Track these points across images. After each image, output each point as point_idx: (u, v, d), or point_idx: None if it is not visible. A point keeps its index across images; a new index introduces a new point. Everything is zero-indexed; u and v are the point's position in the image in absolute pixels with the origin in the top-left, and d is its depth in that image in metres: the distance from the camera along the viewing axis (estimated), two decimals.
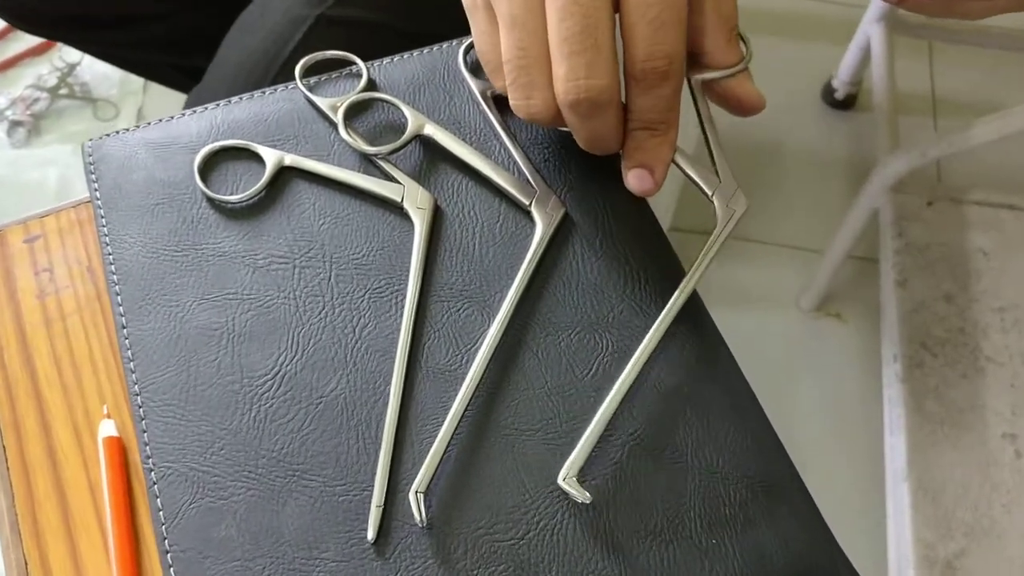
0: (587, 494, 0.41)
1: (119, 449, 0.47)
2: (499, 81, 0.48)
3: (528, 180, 0.50)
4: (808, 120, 1.71)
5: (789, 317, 1.54)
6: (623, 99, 0.46)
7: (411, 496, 0.41)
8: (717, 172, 0.48)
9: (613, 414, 0.43)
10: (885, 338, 1.21)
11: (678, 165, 0.48)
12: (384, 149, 0.50)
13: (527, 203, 0.49)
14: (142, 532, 0.45)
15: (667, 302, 0.46)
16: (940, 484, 1.07)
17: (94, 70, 1.69)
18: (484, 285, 0.47)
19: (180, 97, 1.02)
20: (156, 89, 1.69)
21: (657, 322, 0.45)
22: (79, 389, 0.49)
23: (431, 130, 0.51)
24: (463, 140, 0.51)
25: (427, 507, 0.41)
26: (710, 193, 0.48)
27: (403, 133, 0.51)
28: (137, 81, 1.68)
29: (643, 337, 0.45)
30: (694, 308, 0.47)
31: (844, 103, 1.70)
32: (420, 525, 0.41)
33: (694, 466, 0.43)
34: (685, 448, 0.43)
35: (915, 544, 1.04)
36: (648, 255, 0.48)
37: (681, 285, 0.46)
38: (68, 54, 1.70)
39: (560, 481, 0.41)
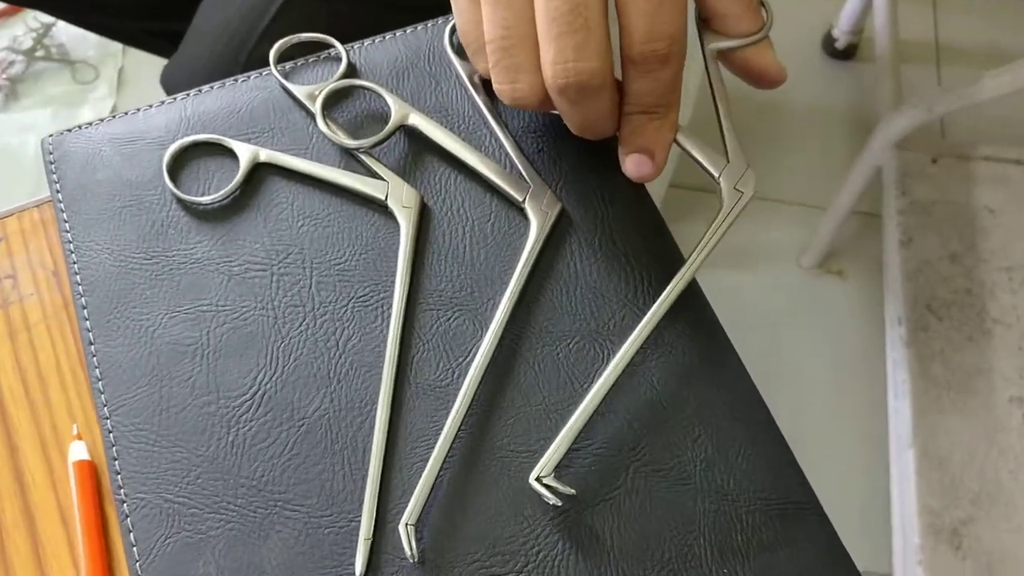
0: (568, 489, 0.38)
1: (90, 474, 0.44)
2: (482, 63, 0.44)
3: (521, 174, 0.46)
4: (808, 71, 1.66)
5: (789, 275, 1.51)
6: (619, 79, 0.42)
7: (401, 529, 0.38)
8: (727, 151, 0.45)
9: (596, 409, 0.40)
10: (889, 300, 1.19)
11: (680, 145, 0.45)
12: (366, 143, 0.47)
13: (520, 199, 0.45)
14: (117, 561, 0.43)
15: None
16: (946, 450, 1.05)
17: (70, 32, 1.63)
18: (476, 291, 0.44)
19: (161, 60, 0.97)
20: (136, 50, 1.64)
21: (650, 313, 0.42)
22: (47, 405, 0.46)
23: (416, 120, 0.47)
24: (451, 130, 0.47)
25: (418, 540, 0.39)
26: (716, 175, 0.45)
27: (386, 124, 0.47)
28: (116, 43, 1.63)
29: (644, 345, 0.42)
30: (695, 303, 0.44)
31: (845, 53, 1.65)
32: (411, 560, 0.38)
33: (703, 488, 0.40)
34: (693, 468, 0.40)
35: (920, 512, 1.02)
36: (652, 255, 0.45)
37: (680, 272, 0.43)
38: (43, 15, 1.64)
39: (532, 481, 0.39)
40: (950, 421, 1.07)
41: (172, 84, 0.80)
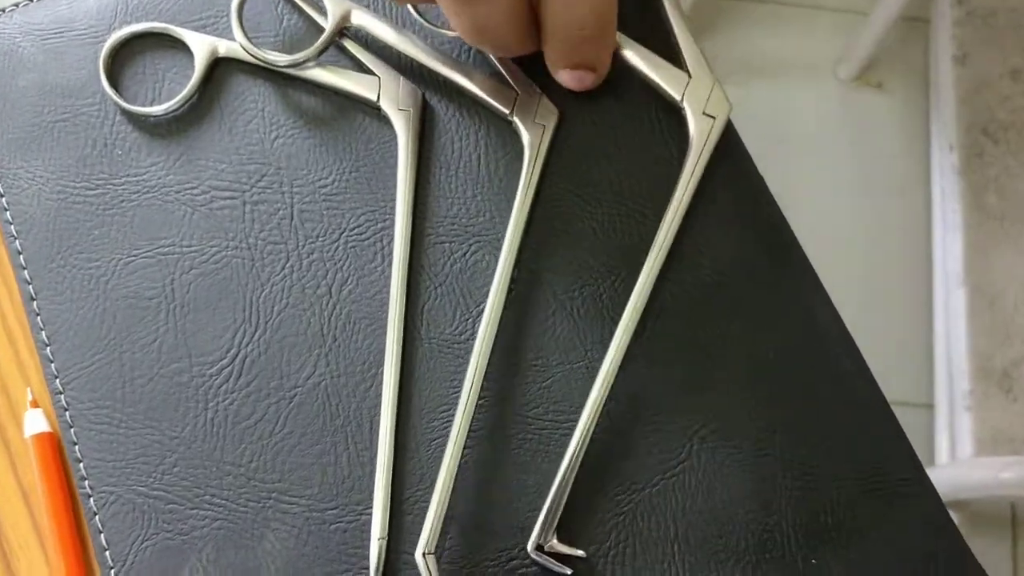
0: (580, 552, 0.32)
1: (53, 448, 0.37)
2: None
3: (504, 78, 0.37)
4: None
5: (825, 88, 1.40)
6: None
7: (418, 559, 0.31)
8: (684, 63, 0.36)
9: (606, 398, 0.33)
10: (939, 124, 1.08)
11: (631, 65, 0.36)
12: (299, 57, 0.37)
13: (506, 111, 0.36)
14: (92, 547, 0.37)
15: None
16: (999, 288, 0.98)
17: None
18: (497, 216, 0.36)
19: None
20: None
21: (647, 266, 0.34)
22: None
23: (361, 19, 0.37)
24: (403, 29, 0.38)
25: (442, 545, 0.32)
26: (679, 97, 0.36)
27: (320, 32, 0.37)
28: None
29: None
30: (757, 211, 0.35)
31: None
32: None
33: (783, 460, 0.33)
34: (770, 435, 0.33)
35: (970, 355, 0.96)
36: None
37: (662, 231, 0.34)
38: None
39: (531, 551, 0.32)
40: (1004, 255, 0.99)
41: None
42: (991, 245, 1.00)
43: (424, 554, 0.31)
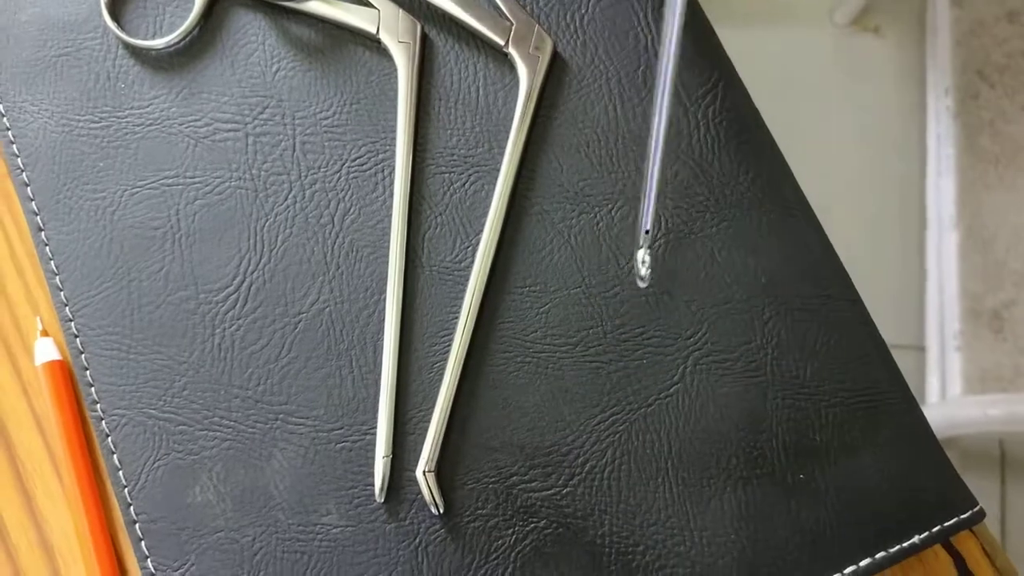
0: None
1: (64, 375, 0.38)
2: None
3: (500, 8, 0.37)
4: None
5: (821, 33, 1.39)
6: None
7: (419, 476, 0.33)
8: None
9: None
10: (934, 66, 1.08)
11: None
12: None
13: (502, 43, 0.37)
14: (105, 473, 0.38)
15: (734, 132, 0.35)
16: (991, 231, 0.99)
17: None
18: (495, 146, 0.36)
19: None
20: None
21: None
22: (3, 297, 0.40)
23: None
24: None
25: (439, 478, 0.33)
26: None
27: None
28: None
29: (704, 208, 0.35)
30: (756, 143, 0.36)
31: None
32: (436, 511, 0.33)
33: (774, 380, 0.34)
34: (763, 356, 0.34)
35: (960, 296, 0.98)
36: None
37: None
38: None
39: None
40: (997, 198, 1.00)
41: None
42: (984, 188, 1.00)
43: (424, 472, 0.32)
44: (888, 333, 0.34)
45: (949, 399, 0.95)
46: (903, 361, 0.34)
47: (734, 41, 0.37)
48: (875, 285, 1.12)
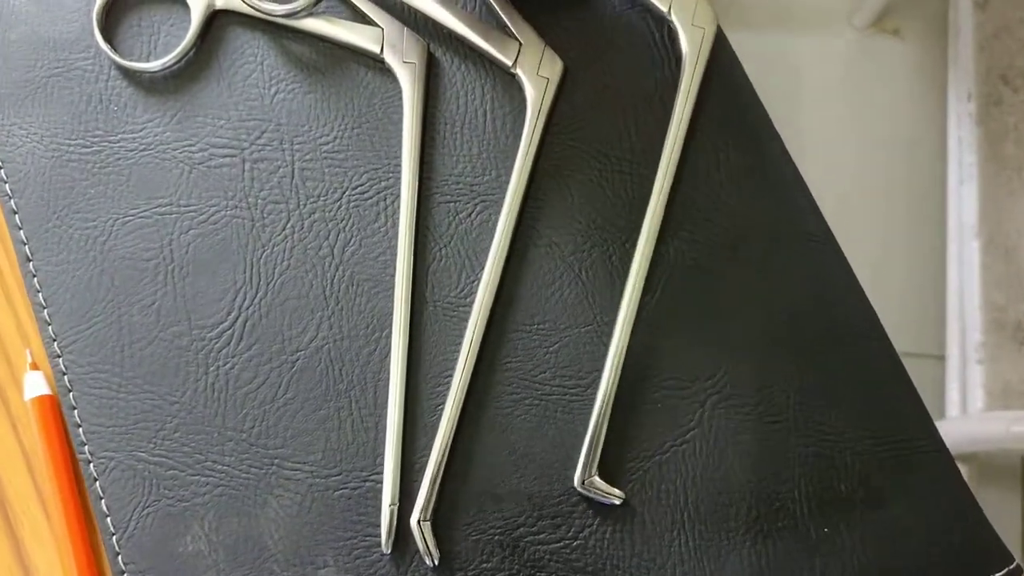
0: (618, 492, 0.31)
1: (54, 411, 0.37)
2: None
3: (506, 24, 0.35)
4: None
5: (839, 36, 1.37)
6: None
7: (414, 526, 0.31)
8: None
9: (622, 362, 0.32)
10: (956, 71, 1.06)
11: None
12: (298, 5, 0.35)
13: (508, 64, 0.35)
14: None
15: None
16: (1014, 240, 0.96)
17: None
18: (503, 174, 0.35)
19: None
20: None
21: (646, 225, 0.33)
22: None
23: None
24: None
25: (440, 528, 0.32)
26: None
27: None
28: None
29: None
30: (776, 174, 0.34)
31: None
32: (431, 563, 0.31)
33: (798, 425, 0.32)
34: (786, 400, 0.32)
35: (983, 307, 0.95)
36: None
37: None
38: None
39: (578, 486, 0.31)
40: (1020, 206, 0.98)
41: None
42: (1007, 196, 0.98)
43: (419, 521, 0.31)
44: (907, 342, 0.32)
45: (971, 414, 0.92)
46: (922, 371, 0.32)
47: (751, 45, 0.35)
48: (896, 292, 1.10)
